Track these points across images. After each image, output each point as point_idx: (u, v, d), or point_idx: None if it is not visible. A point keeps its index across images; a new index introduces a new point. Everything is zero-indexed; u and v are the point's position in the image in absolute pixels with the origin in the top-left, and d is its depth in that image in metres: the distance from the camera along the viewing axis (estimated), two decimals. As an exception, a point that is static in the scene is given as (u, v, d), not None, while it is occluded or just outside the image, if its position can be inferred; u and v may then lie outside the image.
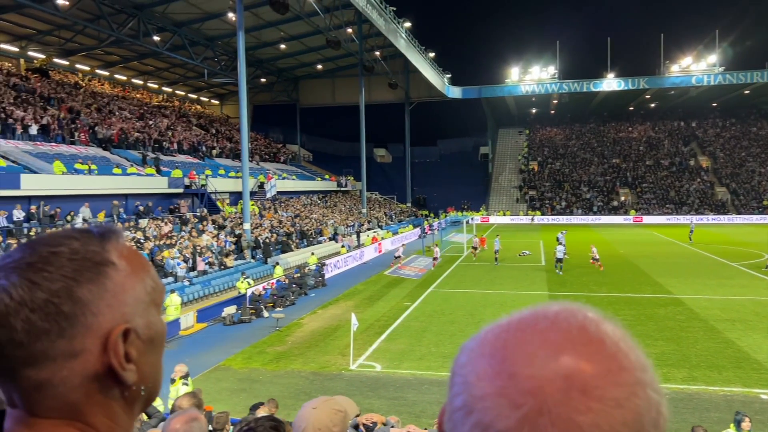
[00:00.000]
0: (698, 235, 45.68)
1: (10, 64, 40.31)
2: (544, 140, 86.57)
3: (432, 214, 70.04)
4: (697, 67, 67.49)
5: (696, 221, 52.73)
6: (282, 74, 63.17)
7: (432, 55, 61.35)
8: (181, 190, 34.58)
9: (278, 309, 23.21)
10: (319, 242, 38.77)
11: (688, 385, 14.01)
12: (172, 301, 20.44)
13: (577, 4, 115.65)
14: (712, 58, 67.00)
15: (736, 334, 18.40)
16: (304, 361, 16.77)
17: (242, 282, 24.68)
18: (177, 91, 60.42)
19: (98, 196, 28.59)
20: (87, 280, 0.82)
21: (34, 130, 31.06)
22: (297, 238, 36.69)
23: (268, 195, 42.63)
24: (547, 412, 0.58)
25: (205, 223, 31.99)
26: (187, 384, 11.74)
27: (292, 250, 34.28)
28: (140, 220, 29.17)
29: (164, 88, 57.86)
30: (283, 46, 51.34)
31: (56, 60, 43.62)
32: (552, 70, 70.32)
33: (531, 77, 70.50)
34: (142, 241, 25.76)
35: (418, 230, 51.67)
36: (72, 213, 26.31)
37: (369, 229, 47.58)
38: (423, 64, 57.84)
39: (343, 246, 39.11)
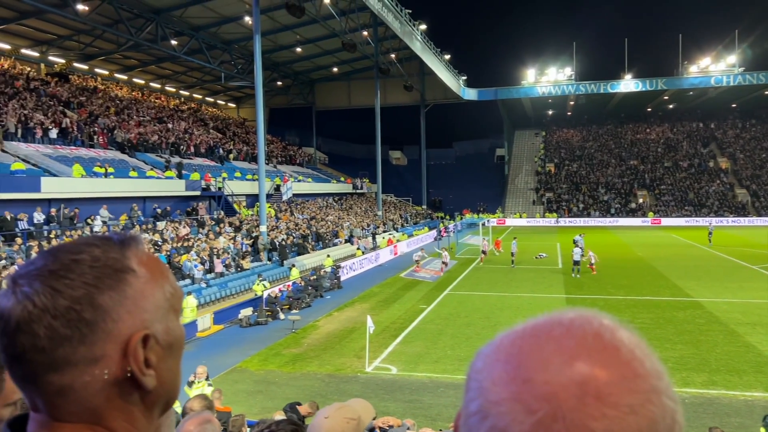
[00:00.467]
0: (718, 238, 45.12)
1: (30, 69, 40.91)
2: (561, 142, 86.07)
3: (448, 217, 69.89)
4: (716, 67, 66.72)
5: (715, 223, 52.09)
6: (298, 77, 63.44)
7: (447, 57, 61.33)
8: (198, 193, 34.84)
9: (294, 311, 23.29)
10: (335, 244, 38.84)
11: (707, 390, 13.83)
12: (188, 303, 20.60)
13: (595, 5, 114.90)
14: (732, 58, 66.19)
15: (756, 338, 18.13)
16: (319, 363, 16.80)
17: (258, 284, 24.80)
18: (194, 95, 60.93)
19: (117, 199, 28.90)
20: (107, 287, 0.84)
21: (54, 133, 31.49)
22: (313, 241, 36.80)
23: (285, 197, 42.80)
24: (562, 417, 0.58)
25: (222, 225, 32.19)
26: (211, 385, 11.89)
27: (308, 252, 34.38)
28: (158, 223, 29.43)
29: (182, 92, 58.38)
30: (299, 50, 51.56)
31: (76, 64, 44.18)
32: (569, 71, 69.90)
33: (547, 79, 70.14)
34: (159, 243, 25.98)
35: (433, 232, 51.64)
36: (92, 216, 26.62)
37: (384, 232, 47.59)
38: (438, 66, 57.79)
39: (358, 248, 39.15)
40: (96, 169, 29.25)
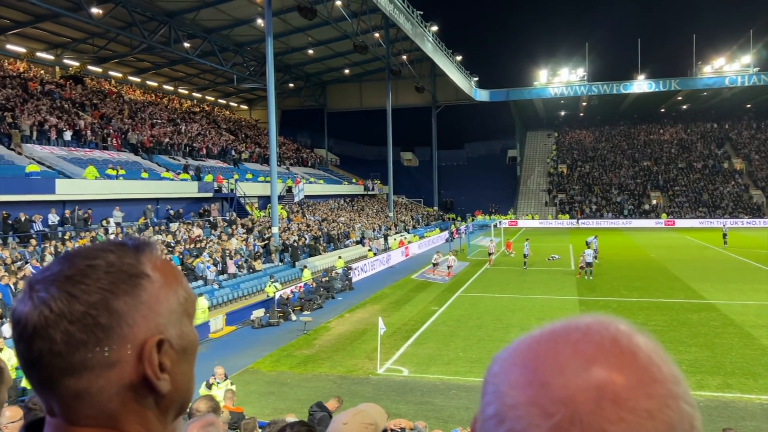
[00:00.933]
0: (733, 239, 44.70)
1: (45, 72, 41.33)
2: (573, 143, 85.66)
3: (459, 218, 69.77)
4: (730, 67, 66.15)
5: (729, 225, 51.57)
6: (310, 79, 63.60)
7: (459, 58, 61.25)
8: (211, 195, 35.02)
9: (306, 312, 23.34)
10: (346, 246, 38.88)
11: (722, 393, 13.70)
12: (199, 304, 20.65)
13: (607, 5, 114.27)
14: (746, 58, 65.59)
15: (772, 340, 17.95)
16: (331, 364, 16.82)
17: (270, 286, 24.87)
18: (207, 97, 61.26)
19: (130, 201, 29.10)
20: (123, 292, 0.85)
21: (68, 135, 31.79)
22: (324, 242, 36.87)
23: (296, 199, 42.91)
24: (579, 421, 0.58)
25: (234, 226, 32.33)
26: (233, 384, 12.00)
27: (320, 254, 34.45)
28: (171, 224, 29.61)
29: (194, 94, 58.71)
30: (310, 52, 51.70)
31: (90, 67, 44.57)
32: (581, 72, 69.60)
33: (560, 79, 69.89)
34: (172, 244, 26.13)
35: (445, 234, 51.55)
36: (108, 219, 26.84)
37: (396, 233, 47.59)
38: (450, 68, 57.74)
39: (370, 250, 39.17)
40: (108, 171, 29.48)
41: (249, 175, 42.80)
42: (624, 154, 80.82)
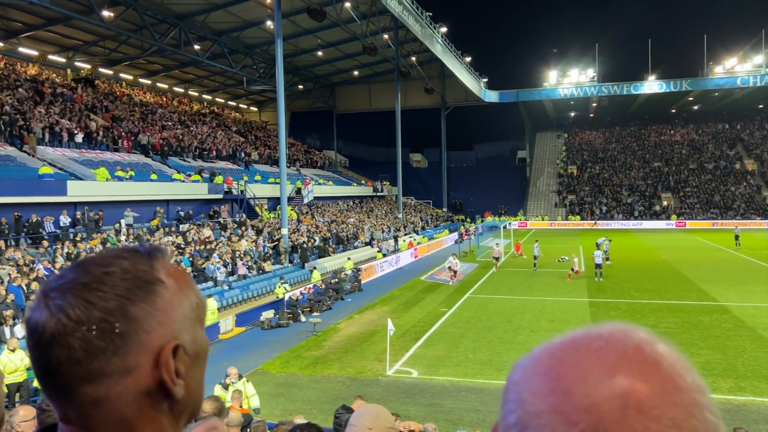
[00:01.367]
0: (745, 241, 44.35)
1: (57, 75, 41.66)
2: (583, 144, 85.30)
3: (468, 219, 69.64)
4: (742, 68, 65.61)
5: (740, 228, 51.00)
6: (319, 81, 63.73)
7: (468, 59, 61.16)
8: (220, 196, 35.16)
9: (315, 314, 23.36)
10: (355, 247, 38.92)
11: (735, 396, 13.59)
12: (209, 306, 20.71)
13: (617, 6, 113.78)
14: (758, 58, 65.00)
15: (785, 343, 17.79)
16: (340, 366, 16.82)
17: (280, 287, 24.92)
18: (217, 99, 61.52)
19: (141, 202, 29.27)
20: (139, 298, 0.85)
21: (79, 137, 32.02)
22: (333, 243, 36.92)
23: (306, 200, 43.00)
24: (604, 430, 0.57)
25: (244, 228, 32.44)
26: (248, 381, 12.06)
27: (329, 255, 34.50)
28: (181, 226, 29.75)
29: (204, 96, 58.98)
30: (320, 53, 51.82)
31: (101, 69, 44.88)
32: (591, 72, 69.29)
33: (569, 80, 69.61)
34: (182, 246, 26.25)
35: (454, 235, 51.46)
36: (121, 221, 27.01)
37: (405, 234, 47.58)
38: (459, 69, 57.67)
39: (379, 251, 39.18)
40: (119, 173, 29.66)
41: (258, 177, 42.93)
42: (634, 155, 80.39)
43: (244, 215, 35.67)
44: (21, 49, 38.88)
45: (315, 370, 16.47)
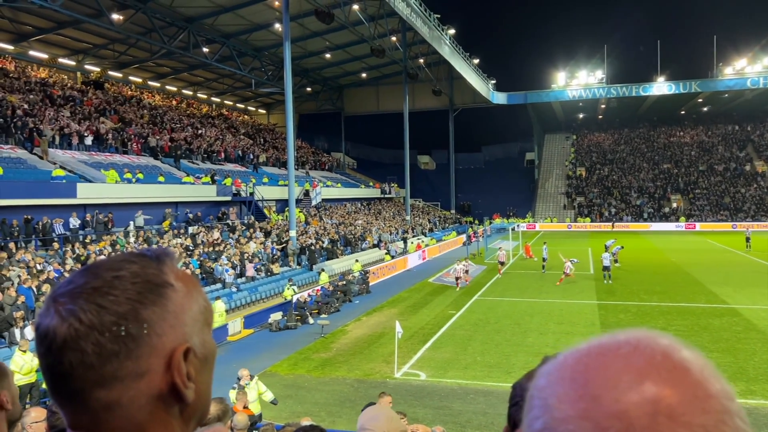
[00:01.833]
0: (756, 243, 44.04)
1: (67, 77, 41.95)
2: (592, 146, 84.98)
3: (476, 221, 69.50)
4: (752, 69, 65.15)
5: (751, 230, 50.64)
6: (327, 83, 63.87)
7: (476, 61, 61.10)
8: (229, 198, 35.27)
9: (323, 316, 23.37)
10: (363, 249, 38.93)
11: (746, 399, 13.48)
12: (217, 308, 20.68)
13: (626, 7, 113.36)
14: (769, 59, 64.65)
15: (797, 346, 17.64)
16: (348, 368, 16.82)
17: (289, 289, 24.95)
18: (225, 101, 61.77)
19: (150, 204, 29.40)
20: (150, 302, 0.85)
21: (89, 140, 32.22)
22: (341, 245, 36.95)
23: (314, 202, 43.08)
24: None
25: (252, 230, 32.53)
26: (259, 381, 12.09)
27: (337, 257, 34.53)
28: (190, 228, 29.86)
29: (213, 98, 59.23)
30: (328, 56, 51.94)
31: (111, 72, 45.17)
32: (600, 74, 69.06)
33: (578, 82, 69.41)
34: (191, 248, 26.33)
35: (461, 237, 51.36)
36: (132, 223, 27.14)
37: (413, 237, 47.56)
38: (467, 71, 57.63)
39: (387, 252, 39.17)
40: (126, 175, 29.80)
41: (266, 179, 43.04)
42: (643, 157, 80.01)
43: (253, 217, 35.76)
44: (31, 53, 39.20)
45: (323, 372, 16.48)
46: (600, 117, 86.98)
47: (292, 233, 32.01)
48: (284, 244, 31.49)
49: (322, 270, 30.25)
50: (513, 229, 47.90)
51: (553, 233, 62.44)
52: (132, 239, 25.43)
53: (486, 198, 75.33)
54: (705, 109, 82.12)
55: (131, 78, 48.40)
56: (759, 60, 65.06)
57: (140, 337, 0.83)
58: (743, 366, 15.88)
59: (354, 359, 17.66)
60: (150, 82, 50.66)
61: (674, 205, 69.96)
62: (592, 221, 68.69)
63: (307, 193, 43.77)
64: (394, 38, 46.27)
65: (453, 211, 71.27)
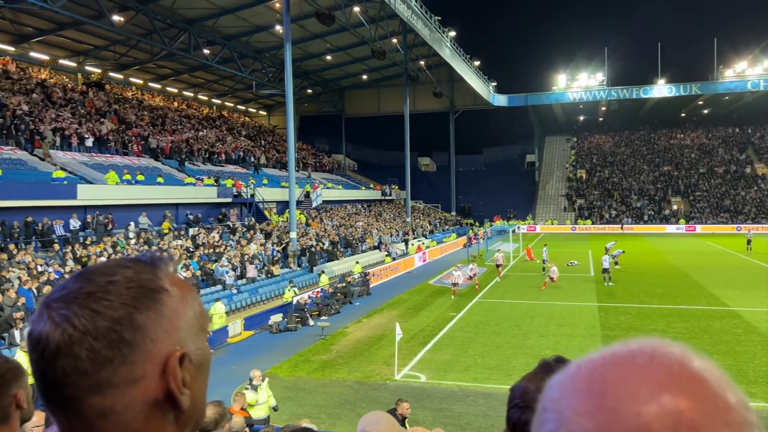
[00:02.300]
0: (756, 245, 44.00)
1: (68, 79, 41.98)
2: (593, 148, 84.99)
3: (477, 223, 69.51)
4: (752, 71, 65.13)
5: (753, 232, 50.62)
6: (328, 85, 63.91)
7: (477, 63, 61.16)
8: (230, 200, 35.27)
9: (323, 317, 23.35)
10: (363, 251, 38.92)
11: (746, 402, 13.45)
12: (217, 309, 20.63)
13: (627, 10, 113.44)
14: (769, 61, 64.64)
15: (797, 349, 17.61)
16: (348, 370, 16.80)
17: (289, 291, 24.94)
18: (226, 103, 61.79)
19: (150, 206, 29.40)
20: (145, 307, 0.84)
21: (90, 142, 32.22)
22: (342, 247, 36.94)
23: (314, 204, 43.08)
24: None
25: (252, 231, 32.52)
26: (265, 380, 12.06)
27: (338, 259, 34.52)
28: (190, 229, 29.86)
29: (214, 100, 59.24)
30: (329, 58, 51.96)
31: (111, 74, 45.20)
32: (600, 76, 69.08)
33: (578, 84, 69.43)
34: (191, 249, 26.32)
35: (462, 239, 51.33)
36: (132, 223, 27.14)
37: (414, 238, 47.54)
38: (468, 73, 57.66)
39: (388, 254, 39.15)
40: (126, 176, 29.81)
41: (267, 181, 43.04)
42: (644, 159, 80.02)
43: (253, 219, 35.76)
44: (32, 54, 39.22)
45: (323, 374, 16.46)
46: (600, 119, 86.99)
47: (293, 235, 32.00)
48: (285, 246, 31.49)
49: (323, 272, 30.24)
50: (513, 231, 47.86)
51: (555, 235, 62.41)
52: (132, 241, 25.44)
53: (486, 200, 75.37)
54: (705, 111, 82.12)
55: (132, 79, 48.43)
56: (759, 62, 65.05)
57: (135, 342, 0.82)
58: (744, 368, 15.85)
59: (354, 361, 17.64)
60: (151, 84, 50.68)
61: (674, 207, 69.95)
62: (592, 223, 68.67)
63: (307, 195, 43.78)
64: (394, 40, 46.30)
65: (454, 213, 71.27)
